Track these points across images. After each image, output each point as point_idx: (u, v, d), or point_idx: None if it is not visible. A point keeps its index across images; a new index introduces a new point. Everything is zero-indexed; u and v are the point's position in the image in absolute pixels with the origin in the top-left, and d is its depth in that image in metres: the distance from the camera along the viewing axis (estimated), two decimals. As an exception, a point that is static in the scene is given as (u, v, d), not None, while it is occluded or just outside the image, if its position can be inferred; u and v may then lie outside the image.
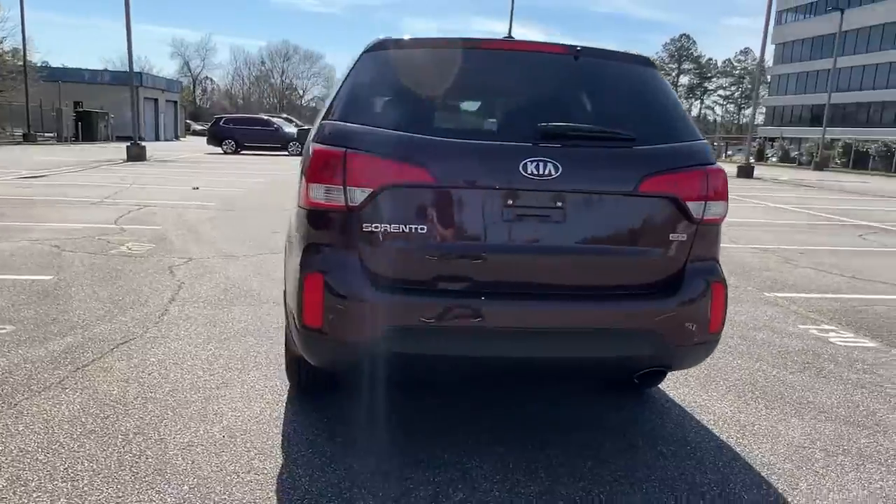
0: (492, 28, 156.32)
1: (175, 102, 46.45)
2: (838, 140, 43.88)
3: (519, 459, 2.68)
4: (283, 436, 2.80)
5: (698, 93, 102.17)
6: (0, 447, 2.58)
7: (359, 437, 2.83)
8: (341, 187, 2.33)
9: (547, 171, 2.31)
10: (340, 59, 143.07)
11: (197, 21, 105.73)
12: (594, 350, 2.46)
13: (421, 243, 2.34)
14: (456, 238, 2.37)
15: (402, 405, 3.16)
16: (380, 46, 2.60)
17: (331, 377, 3.10)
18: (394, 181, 2.31)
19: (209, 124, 30.91)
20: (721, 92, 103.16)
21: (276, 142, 28.82)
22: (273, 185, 14.47)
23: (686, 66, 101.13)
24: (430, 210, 2.35)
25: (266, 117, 31.72)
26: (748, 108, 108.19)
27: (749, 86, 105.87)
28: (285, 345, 3.36)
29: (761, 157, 50.25)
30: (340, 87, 2.72)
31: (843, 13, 36.20)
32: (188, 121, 57.43)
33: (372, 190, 2.31)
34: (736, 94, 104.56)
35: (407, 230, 2.33)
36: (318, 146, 2.40)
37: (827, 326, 4.93)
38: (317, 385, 3.13)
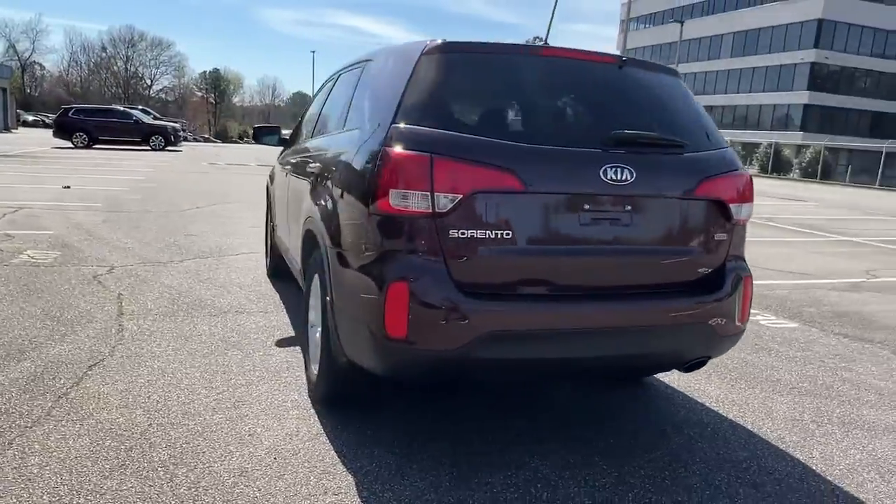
0: (353, 24, 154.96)
1: (5, 90, 41.32)
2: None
3: (576, 455, 2.77)
4: (336, 452, 2.68)
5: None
6: (26, 496, 2.24)
7: (414, 445, 2.77)
8: (428, 193, 2.28)
9: (623, 177, 2.42)
10: (192, 48, 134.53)
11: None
12: (664, 344, 2.62)
13: (507, 248, 2.36)
14: (540, 242, 2.42)
15: (438, 409, 3.14)
16: (442, 49, 2.56)
17: (367, 389, 3.01)
18: (483, 187, 2.31)
19: (56, 114, 27.82)
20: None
21: (135, 135, 26.57)
22: (157, 183, 13.40)
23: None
24: (516, 215, 2.37)
25: (123, 108, 29.17)
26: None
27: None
28: (306, 361, 3.23)
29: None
30: (386, 88, 2.66)
31: (682, 24, 40.01)
32: (19, 111, 51.27)
33: (461, 196, 2.29)
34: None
35: (493, 235, 2.34)
36: (400, 151, 2.33)
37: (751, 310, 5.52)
38: (353, 399, 3.03)
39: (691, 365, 2.83)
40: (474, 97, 2.56)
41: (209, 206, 10.29)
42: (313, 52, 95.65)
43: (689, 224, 2.64)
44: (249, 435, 2.78)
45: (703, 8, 60.88)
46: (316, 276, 3.15)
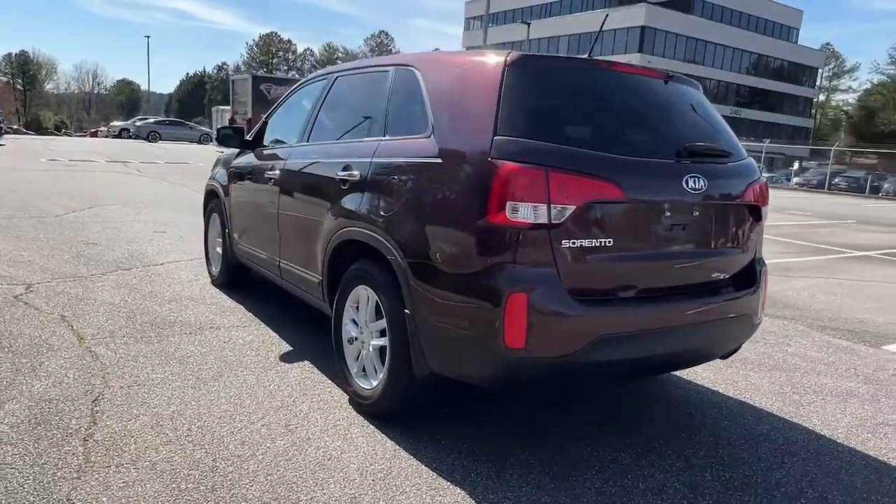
0: (182, 7, 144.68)
1: None
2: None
3: (638, 445, 2.97)
4: (427, 466, 2.65)
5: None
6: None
7: (492, 449, 2.80)
8: (543, 205, 2.34)
9: (700, 185, 2.64)
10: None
11: None
12: (727, 334, 2.90)
13: (609, 255, 2.48)
14: (635, 248, 2.57)
15: (480, 413, 3.19)
16: (525, 61, 2.60)
17: (432, 400, 2.99)
18: (593, 198, 2.41)
19: None
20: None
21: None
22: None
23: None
24: (617, 223, 2.50)
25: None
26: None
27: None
28: (346, 376, 3.14)
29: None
30: (465, 98, 2.66)
31: (529, 25, 42.24)
32: None
33: (574, 207, 2.37)
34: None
35: (599, 243, 2.45)
36: (514, 164, 2.35)
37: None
38: (417, 410, 2.99)
39: (731, 352, 3.14)
40: (563, 110, 2.63)
41: (86, 209, 9.24)
42: (147, 36, 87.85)
43: (739, 226, 2.94)
44: (328, 459, 2.65)
45: (542, 10, 64.62)
46: (361, 289, 3.06)
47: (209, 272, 5.51)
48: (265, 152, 4.40)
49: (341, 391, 3.30)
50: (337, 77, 3.85)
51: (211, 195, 5.35)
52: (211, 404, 3.09)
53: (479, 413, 3.19)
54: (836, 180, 40.93)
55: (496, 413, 3.22)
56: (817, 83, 76.12)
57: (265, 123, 4.62)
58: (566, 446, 2.89)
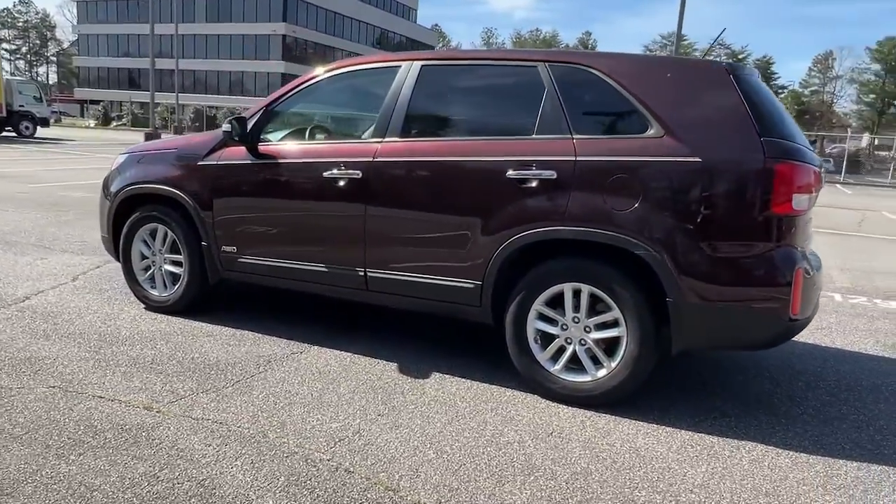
0: None
1: None
2: (189, 105, 46.84)
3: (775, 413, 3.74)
4: (667, 434, 2.97)
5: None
6: None
7: (673, 412, 3.24)
8: (809, 196, 2.90)
9: (823, 170, 3.43)
10: None
11: None
12: None
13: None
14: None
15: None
16: (740, 69, 3.03)
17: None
18: (816, 188, 3.02)
19: None
20: (6, 46, 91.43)
21: None
22: None
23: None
24: (809, 205, 3.11)
25: None
26: (41, 65, 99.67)
27: (37, 41, 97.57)
28: (540, 378, 3.24)
29: (108, 121, 48.93)
30: (699, 101, 2.99)
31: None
32: None
33: (810, 196, 2.95)
34: (24, 50, 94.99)
35: (805, 220, 3.08)
36: (792, 162, 2.81)
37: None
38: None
39: None
40: (774, 112, 3.08)
41: None
42: None
43: None
44: (599, 448, 2.78)
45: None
46: (568, 286, 3.11)
47: (142, 296, 4.36)
48: (298, 148, 3.77)
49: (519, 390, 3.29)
50: (423, 67, 3.55)
51: (154, 203, 4.23)
52: (428, 443, 2.81)
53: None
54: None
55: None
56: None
57: (267, 116, 3.90)
58: (688, 398, 3.50)
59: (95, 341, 3.71)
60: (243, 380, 3.28)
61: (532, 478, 2.50)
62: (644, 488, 2.47)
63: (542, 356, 3.24)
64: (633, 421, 3.04)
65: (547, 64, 3.28)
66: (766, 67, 68.77)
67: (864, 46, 74.15)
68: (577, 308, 3.16)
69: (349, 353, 3.72)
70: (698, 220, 2.88)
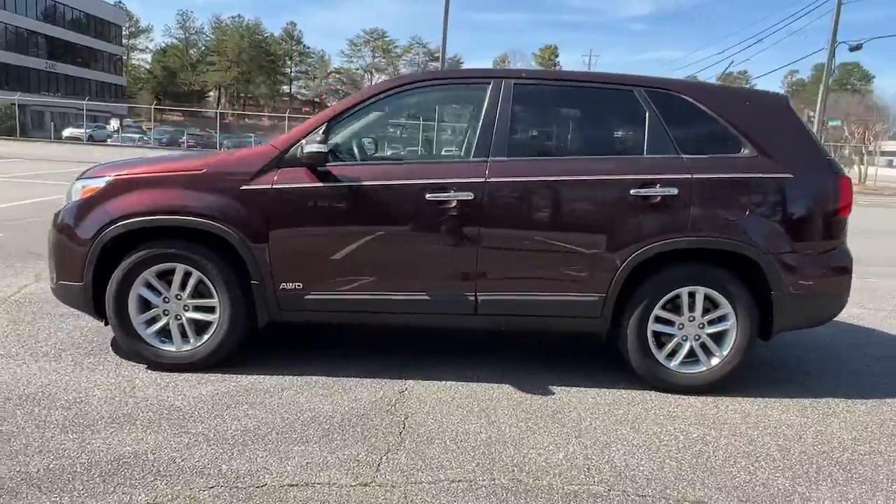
0: None
1: None
2: None
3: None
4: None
5: None
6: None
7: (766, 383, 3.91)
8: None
9: None
10: None
11: None
12: None
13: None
14: None
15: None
16: (787, 98, 3.72)
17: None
18: None
19: None
20: None
21: None
22: None
23: None
24: None
25: None
26: None
27: None
28: (662, 371, 3.56)
29: None
30: (783, 131, 3.60)
31: None
32: None
33: None
34: None
35: None
36: (844, 176, 3.58)
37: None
38: None
39: None
40: (814, 134, 3.81)
41: None
42: None
43: None
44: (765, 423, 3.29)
45: None
46: (686, 290, 3.50)
47: (151, 354, 3.48)
48: (386, 168, 3.44)
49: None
50: (515, 85, 3.53)
51: (170, 239, 3.39)
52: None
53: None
54: (185, 138, 44.37)
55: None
56: (124, 41, 76.99)
57: (328, 133, 3.43)
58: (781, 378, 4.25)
59: (169, 421, 2.91)
60: (403, 429, 2.96)
61: (766, 461, 2.84)
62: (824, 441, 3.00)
63: (661, 356, 3.57)
64: (765, 398, 3.56)
65: (643, 89, 3.57)
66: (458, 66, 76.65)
67: (531, 52, 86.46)
68: (691, 308, 3.55)
69: (451, 382, 3.56)
70: (792, 224, 3.50)
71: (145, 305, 3.49)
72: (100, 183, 3.48)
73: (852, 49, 30.04)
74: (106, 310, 3.47)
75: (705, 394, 3.57)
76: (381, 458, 2.69)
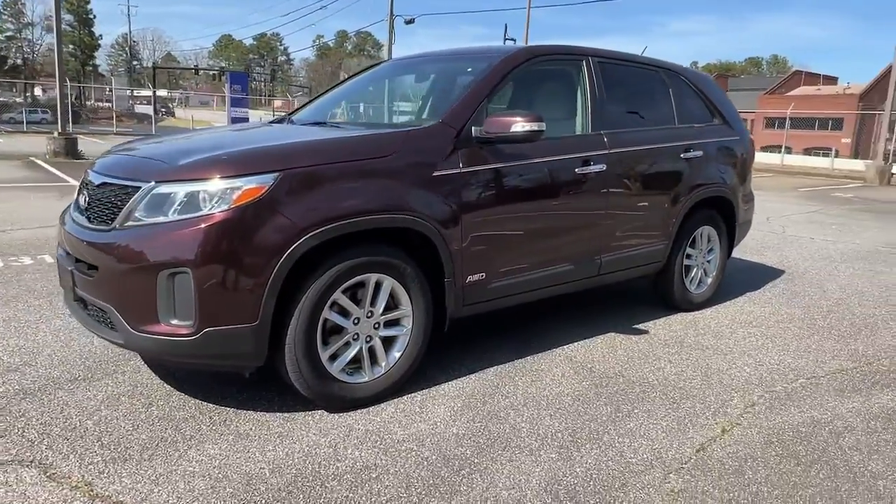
0: None
1: None
2: None
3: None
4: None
5: None
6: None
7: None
8: None
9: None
10: None
11: None
12: None
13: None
14: None
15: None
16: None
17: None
18: None
19: None
20: None
21: None
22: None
23: None
24: None
25: None
26: None
27: None
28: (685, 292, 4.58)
29: None
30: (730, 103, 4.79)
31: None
32: None
33: None
34: None
35: None
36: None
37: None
38: None
39: None
40: None
41: None
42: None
43: None
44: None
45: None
46: (706, 229, 4.56)
47: (338, 396, 2.78)
48: (538, 145, 3.30)
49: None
50: (598, 63, 3.83)
51: (366, 244, 2.73)
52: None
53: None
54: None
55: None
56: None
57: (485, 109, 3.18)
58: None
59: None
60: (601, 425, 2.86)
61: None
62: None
63: (690, 285, 4.51)
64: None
65: (662, 71, 4.33)
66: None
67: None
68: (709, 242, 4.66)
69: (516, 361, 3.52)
70: (739, 171, 4.79)
71: (335, 331, 2.74)
72: (264, 181, 2.48)
73: (407, 22, 35.02)
74: (286, 353, 2.57)
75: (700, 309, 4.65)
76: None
